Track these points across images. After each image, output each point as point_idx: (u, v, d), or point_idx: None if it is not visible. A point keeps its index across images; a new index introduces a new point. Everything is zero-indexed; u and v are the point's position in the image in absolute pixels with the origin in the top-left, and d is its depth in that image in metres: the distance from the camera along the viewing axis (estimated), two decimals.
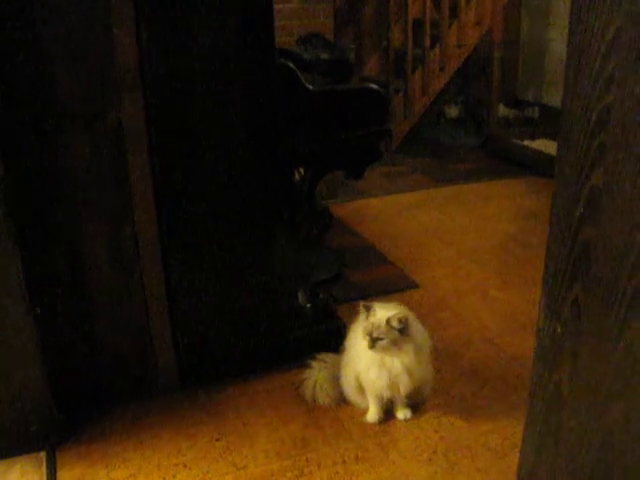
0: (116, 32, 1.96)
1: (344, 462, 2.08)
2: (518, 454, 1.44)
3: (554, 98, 5.59)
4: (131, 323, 2.28)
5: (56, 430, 2.18)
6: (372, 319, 2.09)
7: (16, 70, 1.91)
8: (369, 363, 2.14)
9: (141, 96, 2.05)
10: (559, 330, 1.18)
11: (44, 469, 2.10)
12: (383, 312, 2.11)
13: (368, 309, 2.12)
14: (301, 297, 2.49)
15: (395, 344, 2.10)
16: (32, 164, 2.01)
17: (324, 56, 2.49)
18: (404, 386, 2.15)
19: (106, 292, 2.22)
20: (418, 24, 5.13)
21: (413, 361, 2.13)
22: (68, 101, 1.99)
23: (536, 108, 5.81)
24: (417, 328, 2.19)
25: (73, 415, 2.26)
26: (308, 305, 2.51)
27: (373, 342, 2.08)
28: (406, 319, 2.11)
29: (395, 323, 2.09)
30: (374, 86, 2.37)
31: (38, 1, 1.87)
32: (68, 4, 1.90)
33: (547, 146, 4.89)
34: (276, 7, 2.15)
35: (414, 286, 3.18)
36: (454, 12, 5.27)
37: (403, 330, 2.10)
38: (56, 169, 2.04)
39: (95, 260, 2.17)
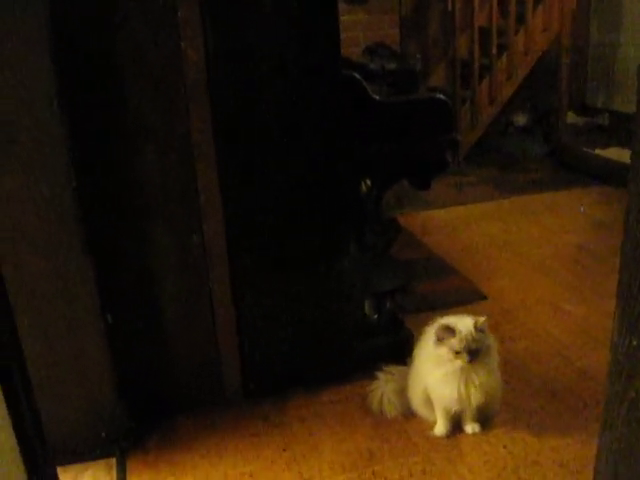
0: (184, 45, 2.00)
1: (411, 476, 2.05)
2: (592, 472, 1.39)
3: (625, 104, 5.45)
4: (199, 332, 2.31)
5: (126, 437, 2.22)
6: (462, 334, 2.05)
7: (87, 85, 1.96)
8: (440, 376, 2.11)
9: (208, 108, 2.07)
10: (635, 344, 1.14)
11: (114, 474, 2.14)
12: (466, 323, 2.07)
13: (451, 330, 2.06)
14: (368, 308, 2.48)
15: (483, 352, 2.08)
16: (102, 176, 2.06)
17: (390, 66, 2.49)
18: (475, 399, 2.11)
19: (174, 302, 2.25)
20: (484, 32, 5.08)
21: (486, 374, 2.10)
22: (136, 114, 2.03)
23: (606, 115, 5.67)
24: (489, 336, 2.15)
25: (142, 423, 2.29)
26: (375, 316, 2.49)
27: (472, 355, 2.05)
28: (486, 326, 2.08)
29: (482, 325, 2.06)
30: (441, 96, 2.35)
31: (108, 17, 1.92)
32: (137, 19, 1.95)
33: (618, 154, 4.77)
34: (341, 18, 2.16)
35: (482, 298, 3.14)
36: (521, 19, 5.20)
37: (487, 338, 2.08)
38: (125, 180, 2.08)
39: (164, 270, 2.20)
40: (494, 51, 5.11)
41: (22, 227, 1.91)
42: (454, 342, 2.05)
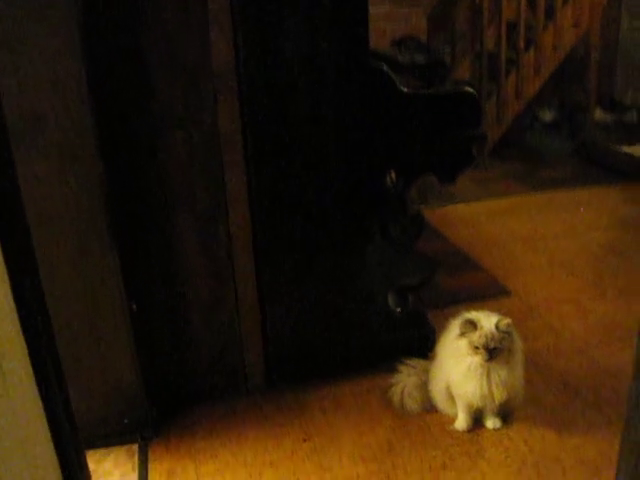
0: (213, 37, 2.00)
1: (430, 469, 2.06)
2: (613, 470, 1.39)
3: None
4: (223, 322, 2.32)
5: (148, 424, 2.24)
6: (483, 331, 2.05)
7: (118, 77, 1.97)
8: (463, 372, 2.11)
9: (236, 99, 2.08)
10: None
11: (136, 460, 2.16)
12: (489, 320, 2.07)
13: (474, 324, 2.07)
14: (391, 301, 2.48)
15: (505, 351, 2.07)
16: (129, 165, 2.07)
17: (419, 59, 2.48)
18: (498, 397, 2.11)
19: (199, 291, 2.27)
20: (512, 26, 5.04)
21: (509, 370, 2.10)
22: (165, 104, 2.04)
23: (634, 112, 5.62)
24: (514, 336, 2.15)
25: (164, 410, 2.31)
26: (398, 309, 2.49)
27: (490, 354, 2.05)
28: (511, 324, 2.08)
29: (504, 327, 2.05)
30: (469, 89, 2.34)
31: (138, 9, 1.93)
32: (167, 12, 1.95)
33: None
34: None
35: (505, 293, 3.12)
36: (550, 14, 5.15)
37: (510, 336, 2.08)
38: (152, 170, 2.09)
39: (188, 258, 2.21)
40: (522, 45, 5.07)
41: (49, 213, 1.93)
42: (474, 337, 2.05)
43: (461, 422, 2.22)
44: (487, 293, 3.12)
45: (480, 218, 4.15)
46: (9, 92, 1.78)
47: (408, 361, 2.41)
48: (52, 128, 1.85)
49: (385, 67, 2.21)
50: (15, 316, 1.13)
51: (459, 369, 2.12)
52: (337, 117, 2.16)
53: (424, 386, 2.32)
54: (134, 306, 2.13)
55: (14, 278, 1.16)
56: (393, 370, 2.40)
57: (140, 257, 2.17)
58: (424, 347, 2.40)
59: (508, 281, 3.24)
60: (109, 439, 2.21)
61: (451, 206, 4.38)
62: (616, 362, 2.52)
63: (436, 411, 2.30)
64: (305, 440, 2.21)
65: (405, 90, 2.21)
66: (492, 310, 2.17)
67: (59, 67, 1.81)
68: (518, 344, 2.15)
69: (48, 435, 1.19)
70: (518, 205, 4.34)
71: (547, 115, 5.82)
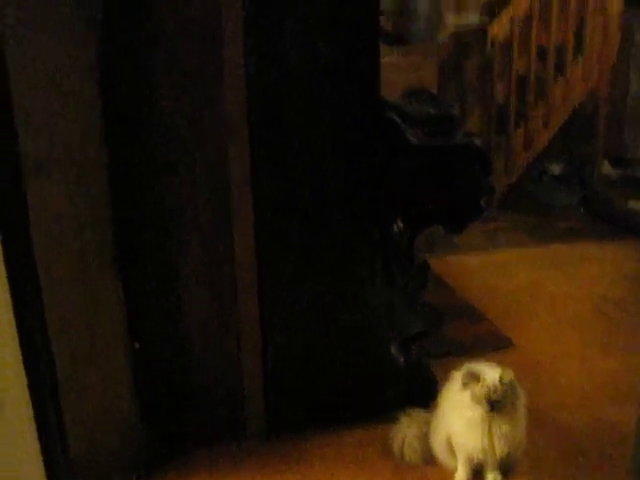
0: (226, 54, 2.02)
1: None
2: None
3: None
4: (224, 361, 2.31)
5: (145, 462, 2.22)
6: (486, 383, 2.04)
7: (125, 98, 2.00)
8: (464, 424, 2.09)
9: (246, 135, 2.10)
10: None
11: None
12: (492, 373, 2.06)
13: (477, 377, 2.06)
14: (394, 350, 2.47)
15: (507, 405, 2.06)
16: (133, 181, 2.08)
17: (429, 111, 2.50)
18: (499, 450, 2.09)
19: (200, 325, 2.25)
20: (522, 80, 5.09)
21: (511, 424, 2.08)
22: (171, 121, 2.05)
23: None
24: (517, 390, 2.13)
25: (161, 453, 2.29)
26: (401, 359, 2.48)
27: (492, 406, 2.03)
28: (514, 377, 2.06)
29: (507, 380, 2.04)
30: (477, 142, 2.36)
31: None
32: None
33: None
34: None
35: (510, 346, 3.11)
36: (560, 67, 5.21)
37: (513, 389, 2.06)
38: (156, 187, 2.11)
39: (190, 288, 2.20)
40: (531, 98, 5.12)
41: (57, 241, 1.93)
42: (477, 389, 2.04)
43: (461, 475, 2.19)
44: (491, 345, 3.10)
45: (486, 269, 4.14)
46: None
47: (409, 411, 2.39)
48: (61, 155, 1.87)
49: (395, 117, 2.24)
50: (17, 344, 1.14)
51: (461, 421, 2.10)
52: (345, 165, 2.19)
53: (425, 437, 2.30)
54: (137, 345, 2.13)
55: (16, 300, 1.16)
56: (394, 420, 2.38)
57: (143, 292, 2.16)
58: (426, 398, 2.38)
59: (513, 333, 3.22)
60: (106, 475, 2.19)
61: (458, 255, 4.38)
62: (620, 418, 2.49)
63: (436, 463, 2.28)
64: None
65: (414, 141, 2.24)
66: (496, 362, 2.16)
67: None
68: (521, 398, 2.13)
69: (42, 470, 1.18)
70: (525, 257, 4.34)
71: (555, 168, 5.84)
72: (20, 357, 1.12)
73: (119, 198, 1.99)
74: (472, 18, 5.42)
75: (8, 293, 1.18)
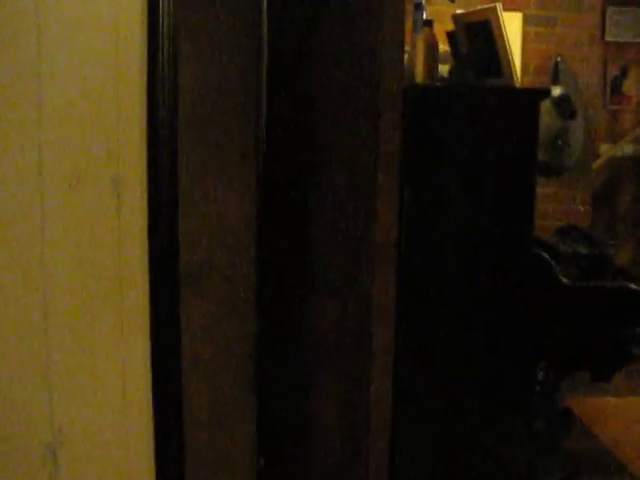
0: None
1: None
2: None
3: None
4: None
5: None
6: None
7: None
8: None
9: (393, 270, 2.09)
10: None
11: None
12: None
13: None
14: None
15: None
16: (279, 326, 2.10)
17: (582, 250, 2.43)
18: None
19: (329, 448, 2.20)
20: None
21: None
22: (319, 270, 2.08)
23: None
24: None
25: None
26: None
27: None
28: None
29: None
30: (633, 286, 2.25)
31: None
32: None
33: None
34: None
35: None
36: None
37: None
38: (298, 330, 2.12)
39: (324, 422, 2.17)
40: None
41: (200, 360, 1.96)
42: None
43: None
44: None
45: (633, 415, 3.88)
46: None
47: None
48: (215, 277, 1.91)
49: (546, 255, 2.18)
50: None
51: None
52: (492, 300, 2.13)
53: None
54: (262, 461, 2.11)
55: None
56: None
57: (274, 409, 2.15)
58: None
59: None
60: None
61: (601, 398, 4.13)
62: None
63: None
64: None
65: (565, 281, 2.16)
66: None
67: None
68: None
69: None
70: None
71: None
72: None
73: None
74: (627, 148, 5.34)
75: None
